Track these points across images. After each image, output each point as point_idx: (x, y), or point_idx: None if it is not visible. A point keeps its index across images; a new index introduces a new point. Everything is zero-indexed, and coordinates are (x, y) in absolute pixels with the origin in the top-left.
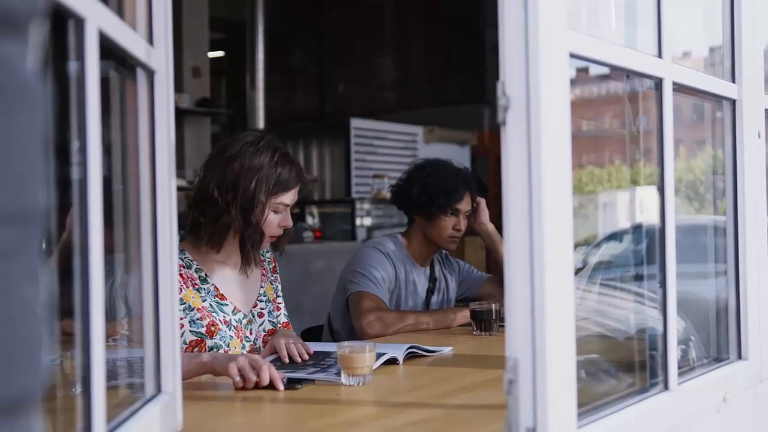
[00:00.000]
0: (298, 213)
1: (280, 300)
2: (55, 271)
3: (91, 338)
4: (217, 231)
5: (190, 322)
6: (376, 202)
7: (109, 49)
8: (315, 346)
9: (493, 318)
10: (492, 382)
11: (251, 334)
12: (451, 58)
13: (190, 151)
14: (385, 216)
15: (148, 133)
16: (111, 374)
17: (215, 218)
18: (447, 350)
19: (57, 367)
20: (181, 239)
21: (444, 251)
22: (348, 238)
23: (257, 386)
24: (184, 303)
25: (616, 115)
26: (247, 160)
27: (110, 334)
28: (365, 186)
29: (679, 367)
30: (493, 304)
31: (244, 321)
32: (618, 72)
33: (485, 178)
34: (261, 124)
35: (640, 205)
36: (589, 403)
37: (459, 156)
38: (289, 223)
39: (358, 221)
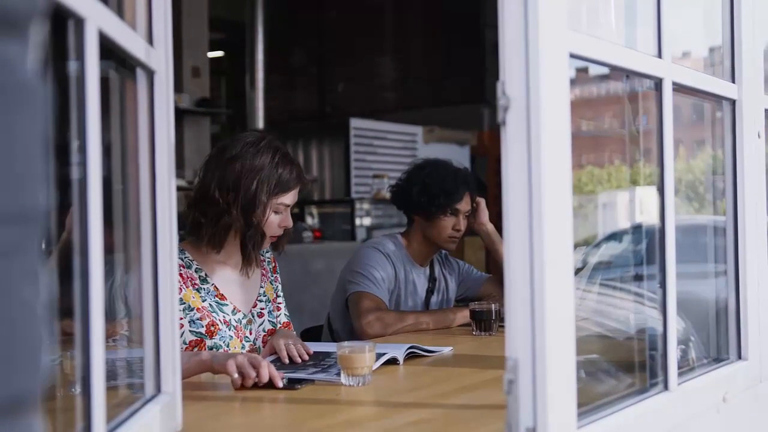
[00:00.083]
0: (298, 213)
1: (280, 300)
2: (55, 271)
3: (90, 338)
4: (218, 232)
5: (189, 322)
6: (375, 202)
7: (109, 49)
8: (315, 347)
9: (493, 318)
10: (492, 382)
11: (251, 334)
12: (451, 58)
13: (190, 151)
14: (384, 216)
15: (147, 133)
16: (111, 374)
17: (216, 219)
18: (447, 350)
19: (57, 367)
20: (181, 239)
21: (444, 251)
22: (347, 238)
23: (256, 386)
24: (184, 303)
25: (616, 115)
26: (248, 161)
27: (110, 335)
28: (365, 186)
29: (679, 368)
30: (493, 305)
31: (244, 321)
32: (618, 72)
33: (485, 178)
34: (261, 124)
35: (639, 205)
36: (589, 403)
37: (459, 156)
38: (290, 223)
39: (357, 221)
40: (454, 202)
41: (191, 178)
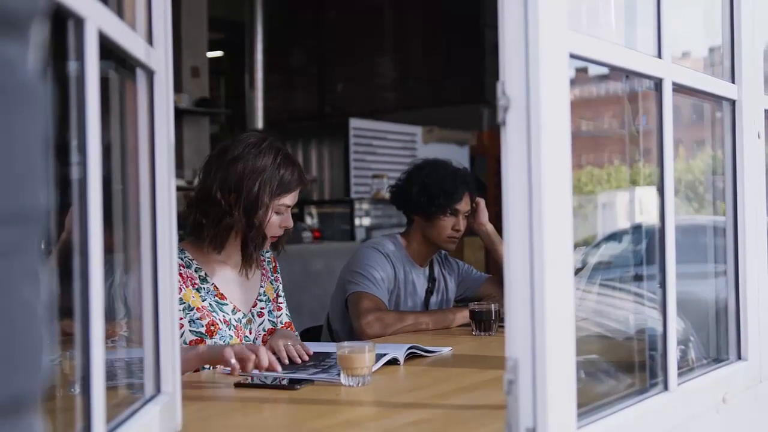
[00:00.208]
0: (297, 213)
1: (281, 300)
2: (55, 271)
3: (90, 338)
4: (220, 232)
5: (189, 321)
6: (375, 202)
7: (109, 49)
8: (315, 347)
9: (493, 318)
10: (491, 382)
11: (251, 333)
12: (451, 58)
13: (189, 151)
14: (384, 216)
15: (147, 133)
16: (110, 374)
17: (218, 220)
18: (446, 350)
19: (56, 368)
20: (180, 239)
21: (443, 251)
22: (347, 239)
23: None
24: (184, 303)
25: (616, 115)
26: (250, 162)
27: (109, 335)
28: (364, 186)
29: (679, 368)
30: (493, 305)
31: (244, 320)
32: (617, 72)
33: (484, 179)
34: (260, 124)
35: (639, 206)
36: (588, 404)
37: (458, 156)
38: (290, 223)
39: (357, 221)
40: (454, 203)
41: (191, 178)
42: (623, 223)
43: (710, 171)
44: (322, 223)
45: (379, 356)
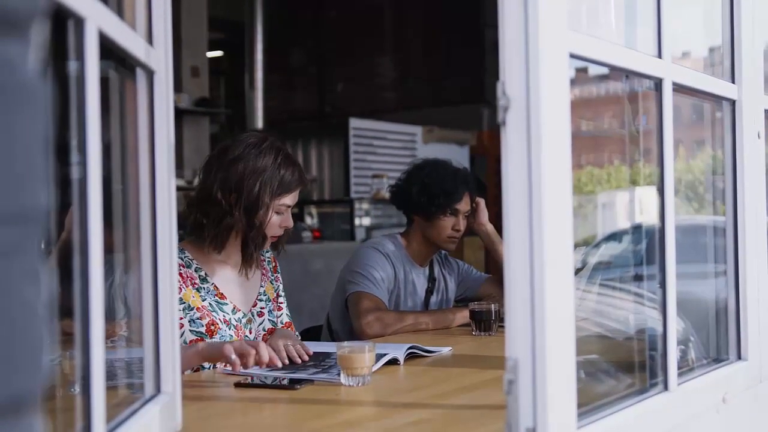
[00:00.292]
0: (297, 213)
1: (282, 300)
2: (55, 270)
3: (90, 338)
4: (221, 232)
5: (189, 321)
6: (375, 202)
7: (109, 49)
8: (314, 347)
9: (493, 318)
10: (491, 382)
11: (251, 333)
12: (451, 58)
13: (189, 151)
14: (384, 216)
15: (147, 133)
16: (110, 374)
17: (218, 220)
18: (446, 350)
19: (56, 367)
20: (180, 239)
21: (443, 251)
22: (347, 238)
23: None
24: (184, 302)
25: (616, 115)
26: (250, 162)
27: (109, 335)
28: (364, 186)
29: (679, 368)
30: (493, 305)
31: (244, 320)
32: (617, 72)
33: (484, 178)
34: (260, 124)
35: (639, 206)
36: (588, 404)
37: (458, 156)
38: (291, 223)
39: (357, 221)
40: (454, 202)
41: (190, 177)
42: (623, 223)
43: (710, 171)
44: (322, 223)
45: (379, 356)
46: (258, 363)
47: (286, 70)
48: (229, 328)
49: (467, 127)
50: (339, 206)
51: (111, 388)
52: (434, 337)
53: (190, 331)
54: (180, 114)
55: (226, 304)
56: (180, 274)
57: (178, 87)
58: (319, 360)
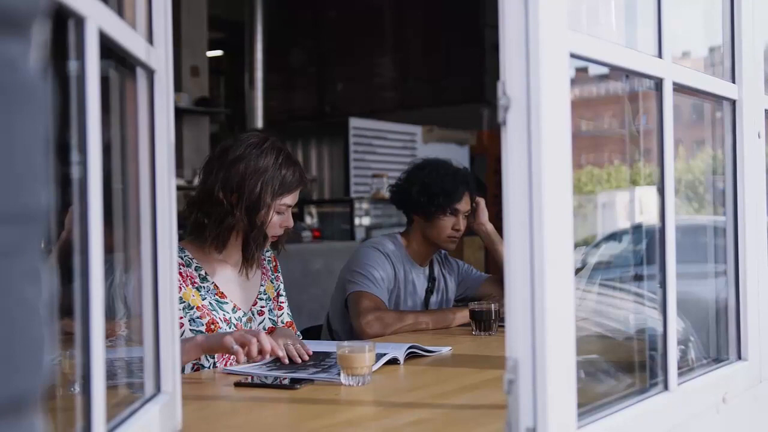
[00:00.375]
0: (297, 213)
1: (282, 299)
2: (55, 270)
3: (91, 337)
4: (222, 232)
5: (189, 320)
6: (374, 202)
7: (109, 49)
8: (314, 346)
9: (493, 318)
10: (491, 382)
11: None
12: (451, 58)
13: (189, 151)
14: (383, 216)
15: (147, 133)
16: (110, 374)
17: (220, 220)
18: (446, 350)
19: (56, 367)
20: (180, 239)
21: (443, 251)
22: (347, 238)
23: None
24: (184, 302)
25: (616, 115)
26: (252, 162)
27: (108, 335)
28: (364, 186)
29: (679, 368)
30: (493, 304)
31: (244, 319)
32: (618, 72)
33: (484, 178)
34: (260, 123)
35: (639, 205)
36: (589, 404)
37: (458, 156)
38: (291, 223)
39: (356, 221)
40: (454, 202)
41: (190, 177)
42: (623, 223)
43: (710, 171)
44: (322, 223)
45: (379, 356)
46: (261, 351)
47: (285, 69)
48: (229, 327)
49: (467, 127)
50: (339, 206)
51: (111, 388)
52: (434, 336)
53: (190, 330)
54: (180, 113)
55: (227, 303)
56: (180, 273)
57: (177, 86)
58: (319, 359)
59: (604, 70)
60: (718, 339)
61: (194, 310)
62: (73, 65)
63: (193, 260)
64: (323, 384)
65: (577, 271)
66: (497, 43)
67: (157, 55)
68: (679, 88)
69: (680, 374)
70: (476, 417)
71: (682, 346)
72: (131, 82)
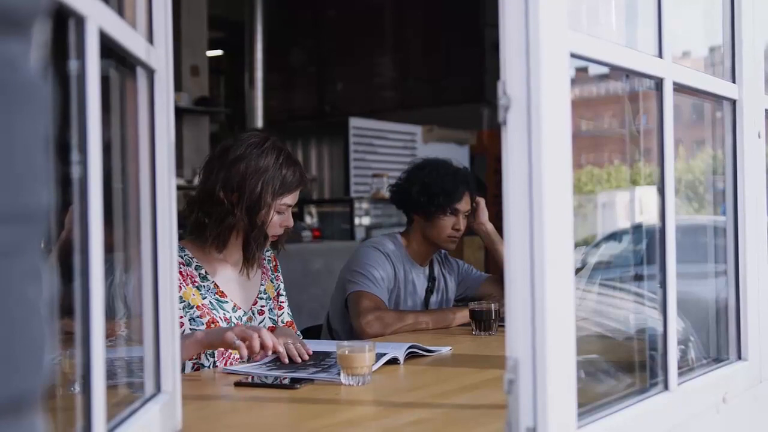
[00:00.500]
0: (297, 212)
1: (283, 299)
2: (55, 269)
3: (91, 337)
4: (223, 232)
5: (189, 319)
6: (374, 202)
7: (109, 48)
8: (315, 346)
9: (493, 318)
10: (491, 381)
11: None
12: (451, 57)
13: (189, 150)
14: (383, 215)
15: (147, 132)
16: (110, 373)
17: (220, 219)
18: (446, 350)
19: (56, 367)
20: (180, 238)
21: (443, 251)
22: (347, 238)
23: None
24: (184, 301)
25: (616, 114)
26: (252, 162)
27: (108, 335)
28: (364, 185)
29: (679, 368)
30: (493, 304)
31: (244, 318)
32: (618, 72)
33: (484, 178)
34: (260, 123)
35: (639, 205)
36: (589, 403)
37: (458, 155)
38: (291, 223)
39: (356, 221)
40: (454, 202)
41: (190, 177)
42: (623, 223)
43: (710, 171)
44: (322, 223)
45: (379, 355)
46: (263, 346)
47: (285, 69)
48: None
49: (467, 127)
50: (339, 206)
51: (111, 387)
52: (434, 336)
53: (191, 329)
54: (180, 113)
55: (227, 302)
56: (180, 272)
57: (177, 86)
58: (319, 359)
59: (605, 70)
60: (718, 339)
61: (194, 309)
62: (73, 65)
63: (194, 259)
64: (323, 384)
65: (577, 271)
66: (497, 43)
67: (158, 54)
68: (680, 88)
69: (680, 374)
70: (476, 417)
71: (682, 346)
72: (131, 82)
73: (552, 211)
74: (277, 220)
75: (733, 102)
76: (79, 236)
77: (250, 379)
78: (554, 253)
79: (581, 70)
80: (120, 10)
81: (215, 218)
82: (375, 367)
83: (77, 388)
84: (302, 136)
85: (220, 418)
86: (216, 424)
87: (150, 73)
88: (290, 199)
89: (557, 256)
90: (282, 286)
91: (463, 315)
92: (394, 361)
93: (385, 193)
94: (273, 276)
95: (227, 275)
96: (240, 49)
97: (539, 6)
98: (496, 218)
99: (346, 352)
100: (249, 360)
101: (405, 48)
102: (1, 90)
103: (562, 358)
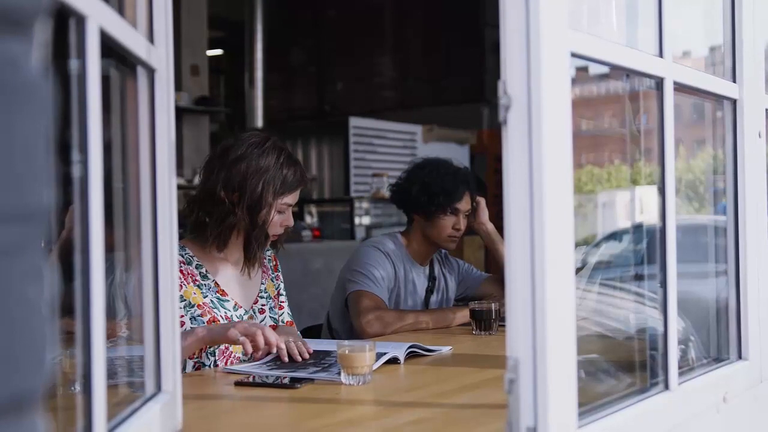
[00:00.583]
0: (297, 212)
1: (283, 298)
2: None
3: (91, 336)
4: (223, 231)
5: (190, 318)
6: (375, 201)
7: (110, 48)
8: (315, 345)
9: (493, 317)
10: (492, 381)
11: None
12: (451, 57)
13: (189, 150)
14: (384, 215)
15: (148, 132)
16: (111, 373)
17: (221, 219)
18: (446, 350)
19: (57, 366)
20: (180, 237)
21: (443, 250)
22: (347, 237)
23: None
24: (185, 300)
25: (616, 114)
26: (253, 162)
27: (109, 336)
28: (364, 185)
29: (680, 367)
30: (493, 304)
31: (245, 317)
32: (618, 71)
33: (484, 178)
34: (260, 122)
35: (640, 205)
36: (589, 403)
37: (458, 155)
38: (291, 222)
39: (357, 220)
40: (454, 202)
41: (190, 176)
42: (623, 223)
43: (711, 170)
44: (322, 222)
45: (379, 355)
46: (267, 343)
47: (285, 69)
48: None
49: (467, 126)
50: (339, 205)
51: (111, 387)
52: (434, 336)
53: (192, 328)
54: (180, 113)
55: (228, 301)
56: (181, 271)
57: (177, 86)
58: (320, 358)
59: (605, 70)
60: (718, 338)
61: (195, 308)
62: (74, 64)
63: (194, 258)
64: (323, 383)
65: (578, 270)
66: (497, 43)
67: (158, 54)
68: (680, 88)
69: (681, 374)
70: (477, 416)
71: (683, 346)
72: (132, 81)
73: (552, 210)
74: (278, 219)
75: (734, 102)
76: (79, 235)
77: (250, 379)
78: (554, 252)
79: (582, 70)
80: (120, 10)
81: (216, 218)
82: (375, 367)
83: (78, 387)
84: (302, 135)
85: (220, 417)
86: (216, 424)
87: (150, 72)
88: (291, 198)
89: (557, 256)
90: (282, 285)
91: (463, 314)
92: (394, 361)
93: (385, 193)
94: (273, 275)
95: (228, 274)
96: (240, 49)
97: (540, 6)
98: (497, 218)
99: (347, 351)
100: (250, 358)
101: (405, 48)
102: (1, 90)
103: (562, 357)
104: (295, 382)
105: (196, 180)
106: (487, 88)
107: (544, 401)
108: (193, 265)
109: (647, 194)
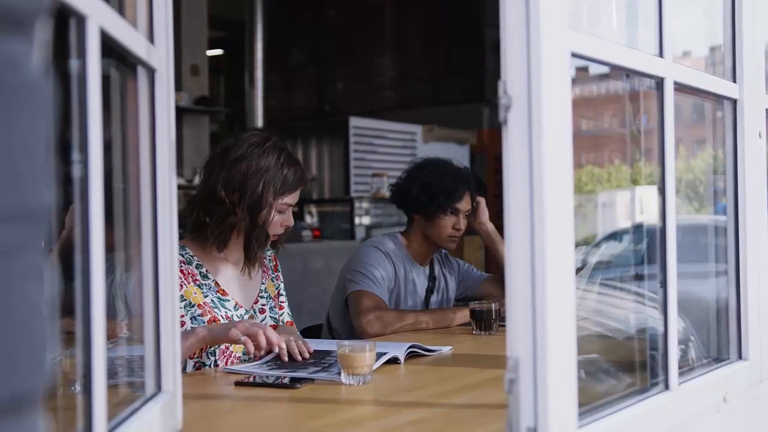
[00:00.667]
0: (297, 212)
1: (283, 298)
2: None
3: (92, 336)
4: (224, 231)
5: (191, 318)
6: (375, 201)
7: (110, 47)
8: (315, 345)
9: (493, 317)
10: (492, 381)
11: None
12: (451, 57)
13: (189, 150)
14: (384, 215)
15: (148, 131)
16: (111, 373)
17: (222, 219)
18: (446, 350)
19: (57, 366)
20: (180, 237)
21: (443, 250)
22: (347, 237)
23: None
24: (185, 299)
25: (617, 114)
26: (254, 162)
27: (109, 337)
28: (364, 185)
29: (680, 367)
30: (493, 304)
31: (246, 317)
32: (618, 71)
33: (484, 177)
34: (260, 122)
35: (640, 205)
36: (589, 403)
37: (458, 155)
38: (291, 222)
39: (357, 220)
40: (454, 202)
41: (190, 176)
42: (624, 223)
43: (711, 170)
44: (322, 222)
45: (379, 355)
46: (269, 342)
47: (285, 69)
48: None
49: (467, 126)
50: (339, 205)
51: (112, 387)
52: (435, 336)
53: (192, 328)
54: (180, 113)
55: (228, 300)
56: (181, 271)
57: (178, 86)
58: (320, 358)
59: (605, 70)
60: (718, 338)
61: (196, 307)
62: (74, 64)
63: (194, 258)
64: (323, 383)
65: (578, 270)
66: (497, 43)
67: (158, 54)
68: (680, 88)
69: (681, 374)
70: (477, 416)
71: (683, 346)
72: (132, 81)
73: (552, 210)
74: (278, 219)
75: (734, 102)
76: (80, 235)
77: (250, 379)
78: (555, 252)
79: (582, 70)
80: (121, 10)
81: (216, 218)
82: (375, 367)
83: (78, 387)
84: (302, 135)
85: (220, 417)
86: (216, 424)
87: (151, 72)
88: (291, 198)
89: (558, 256)
90: (282, 285)
91: (463, 314)
92: (394, 361)
93: (386, 193)
94: (273, 275)
95: (228, 274)
96: (240, 49)
97: (540, 6)
98: (497, 218)
99: (347, 351)
100: (251, 358)
101: (405, 48)
102: (2, 90)
103: (562, 357)
104: (295, 382)
105: (196, 180)
106: (487, 88)
107: (544, 401)
108: (194, 264)
109: (647, 194)
